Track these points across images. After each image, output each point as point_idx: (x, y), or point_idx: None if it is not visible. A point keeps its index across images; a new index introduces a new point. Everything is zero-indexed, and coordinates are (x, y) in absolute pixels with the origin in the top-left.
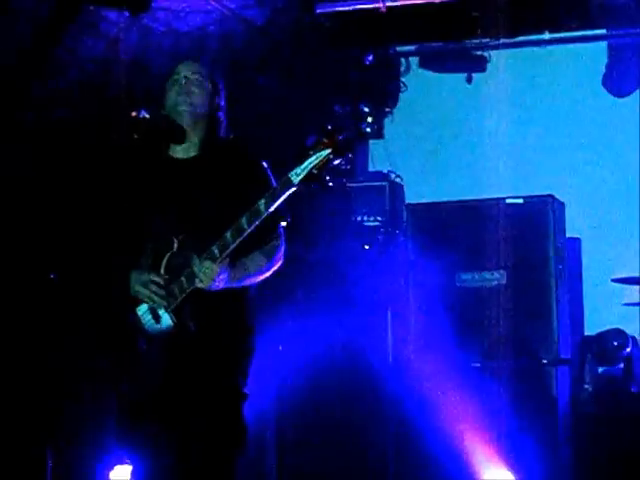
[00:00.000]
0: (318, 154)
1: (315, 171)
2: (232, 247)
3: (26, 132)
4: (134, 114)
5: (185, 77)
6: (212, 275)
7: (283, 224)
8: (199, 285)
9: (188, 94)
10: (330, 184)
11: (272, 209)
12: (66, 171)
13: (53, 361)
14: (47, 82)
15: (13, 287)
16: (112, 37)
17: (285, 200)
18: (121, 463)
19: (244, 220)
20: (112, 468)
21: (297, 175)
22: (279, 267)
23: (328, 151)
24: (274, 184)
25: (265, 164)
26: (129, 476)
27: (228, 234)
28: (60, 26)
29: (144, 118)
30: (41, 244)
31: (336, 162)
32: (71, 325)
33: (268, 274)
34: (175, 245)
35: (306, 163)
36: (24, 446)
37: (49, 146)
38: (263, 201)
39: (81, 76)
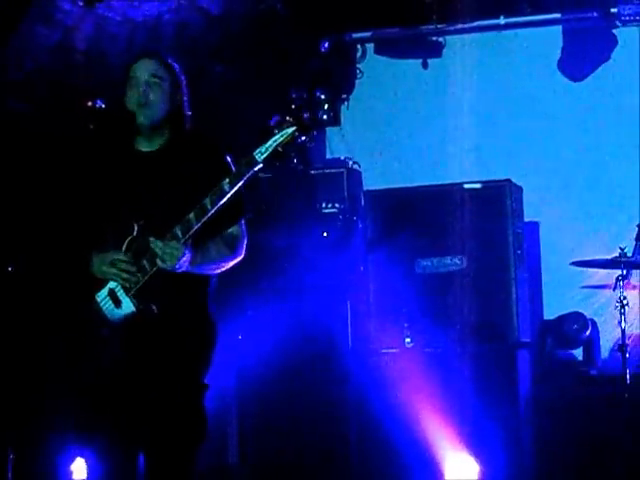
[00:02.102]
0: (283, 132)
1: (280, 149)
2: (195, 228)
3: None
4: (90, 104)
5: (145, 82)
6: (176, 255)
7: (246, 219)
8: (161, 265)
9: (147, 104)
10: (294, 160)
11: (235, 188)
12: (22, 162)
13: (12, 355)
14: (1, 73)
15: None
16: (67, 27)
17: (248, 189)
18: (82, 455)
19: (208, 200)
20: (74, 460)
21: (262, 154)
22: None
23: (293, 129)
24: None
25: (229, 158)
26: (89, 468)
27: (192, 215)
28: (14, 17)
29: (100, 108)
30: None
31: (301, 140)
32: (29, 316)
33: (229, 265)
34: (135, 229)
35: (270, 141)
36: None
37: (4, 137)
38: (227, 180)
39: (36, 66)
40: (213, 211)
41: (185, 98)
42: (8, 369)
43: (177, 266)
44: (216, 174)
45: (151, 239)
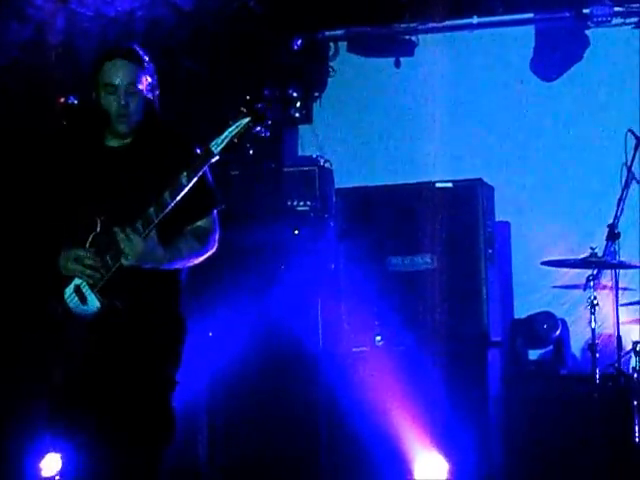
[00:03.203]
0: (237, 123)
1: (236, 140)
2: (156, 221)
3: None
4: (62, 100)
5: (124, 92)
6: (137, 249)
7: (217, 210)
8: (124, 262)
9: (127, 115)
10: (251, 151)
11: (194, 181)
12: None
13: None
14: None
15: None
16: (38, 22)
17: (219, 186)
18: (52, 451)
19: (167, 194)
20: (43, 457)
21: (217, 145)
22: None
23: (247, 119)
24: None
25: (198, 150)
26: (59, 465)
27: (151, 209)
28: None
29: (73, 104)
30: None
31: (256, 130)
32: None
33: (201, 259)
34: (98, 225)
35: (226, 133)
36: None
37: None
38: (185, 173)
39: (7, 62)
40: (173, 204)
41: (157, 93)
42: None
43: (139, 261)
44: (182, 164)
45: (115, 229)
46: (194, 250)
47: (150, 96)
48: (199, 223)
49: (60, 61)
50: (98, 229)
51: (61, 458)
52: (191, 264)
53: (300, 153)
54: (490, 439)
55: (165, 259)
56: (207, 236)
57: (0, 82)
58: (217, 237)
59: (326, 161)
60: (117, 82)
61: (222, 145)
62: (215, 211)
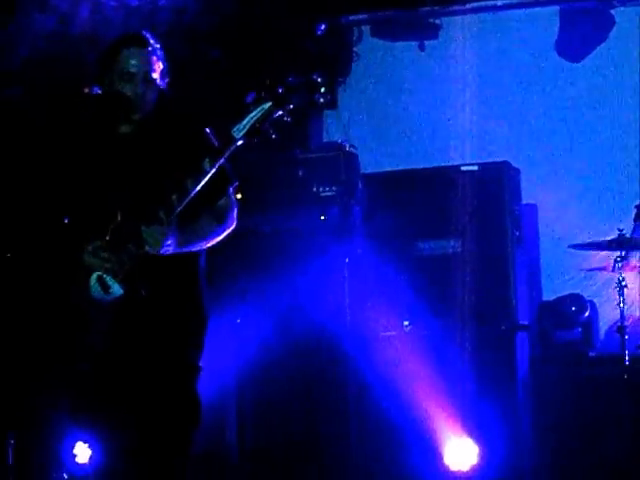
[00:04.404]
0: (259, 108)
1: (257, 125)
2: (178, 209)
3: None
4: (86, 91)
5: (142, 81)
6: (160, 239)
7: (233, 188)
8: (149, 250)
9: (143, 103)
10: (273, 136)
11: (216, 167)
12: (17, 150)
13: (10, 340)
14: None
15: None
16: (62, 13)
17: (231, 164)
18: (80, 440)
19: (189, 181)
20: (75, 444)
21: (239, 131)
22: (233, 239)
23: (269, 104)
24: (217, 140)
25: (208, 130)
26: (89, 453)
27: (174, 196)
28: (9, 2)
29: (97, 95)
30: None
31: (278, 114)
32: (26, 301)
33: (220, 237)
34: (119, 215)
35: (247, 118)
36: None
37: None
38: (207, 160)
39: (31, 52)
40: (195, 191)
41: (167, 79)
42: (6, 355)
43: (163, 250)
44: (196, 147)
45: (139, 224)
46: (213, 230)
47: (162, 83)
48: (218, 203)
49: (83, 51)
50: (119, 218)
51: (89, 447)
52: (212, 243)
53: (325, 138)
54: (519, 422)
55: (184, 243)
56: (226, 214)
57: (25, 73)
58: (235, 213)
59: (351, 146)
60: (134, 70)
61: (244, 130)
62: (231, 188)
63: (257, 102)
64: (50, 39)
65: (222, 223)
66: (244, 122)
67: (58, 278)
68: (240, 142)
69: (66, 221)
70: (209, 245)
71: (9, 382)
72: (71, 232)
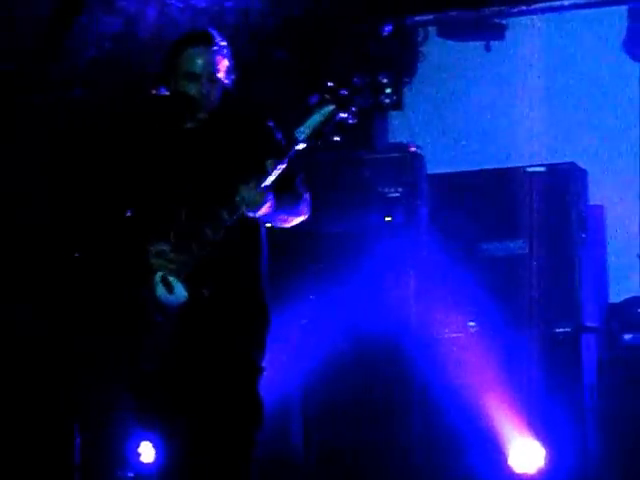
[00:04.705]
0: (322, 111)
1: (320, 128)
2: (241, 210)
3: (44, 114)
4: (154, 92)
5: (207, 80)
6: (258, 201)
7: (300, 179)
8: (249, 213)
9: (208, 103)
10: (336, 139)
11: (279, 169)
12: (84, 151)
13: (78, 340)
14: (64, 62)
15: (37, 268)
16: (129, 14)
17: (296, 158)
18: (145, 440)
19: (252, 182)
20: (140, 443)
21: (302, 133)
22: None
23: (332, 107)
24: (281, 140)
25: (272, 123)
26: (154, 452)
27: (238, 198)
28: (75, 7)
29: (164, 96)
30: (63, 224)
31: (341, 117)
32: (95, 303)
33: (296, 220)
34: (183, 214)
35: (310, 120)
36: (52, 424)
37: (67, 125)
38: (270, 161)
39: (99, 54)
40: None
41: (233, 76)
42: (73, 355)
43: (258, 210)
44: (260, 147)
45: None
46: (293, 205)
47: (228, 80)
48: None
49: (150, 52)
50: (183, 217)
51: (153, 447)
52: (289, 222)
53: (391, 139)
54: (586, 424)
55: (270, 207)
56: (301, 199)
57: (92, 74)
58: (308, 203)
59: (417, 147)
60: (199, 71)
61: (306, 133)
62: (299, 179)
63: (320, 104)
64: (116, 40)
65: (299, 204)
66: (307, 124)
67: (125, 279)
68: (303, 145)
69: (129, 214)
70: (288, 220)
71: (75, 382)
72: (134, 226)
